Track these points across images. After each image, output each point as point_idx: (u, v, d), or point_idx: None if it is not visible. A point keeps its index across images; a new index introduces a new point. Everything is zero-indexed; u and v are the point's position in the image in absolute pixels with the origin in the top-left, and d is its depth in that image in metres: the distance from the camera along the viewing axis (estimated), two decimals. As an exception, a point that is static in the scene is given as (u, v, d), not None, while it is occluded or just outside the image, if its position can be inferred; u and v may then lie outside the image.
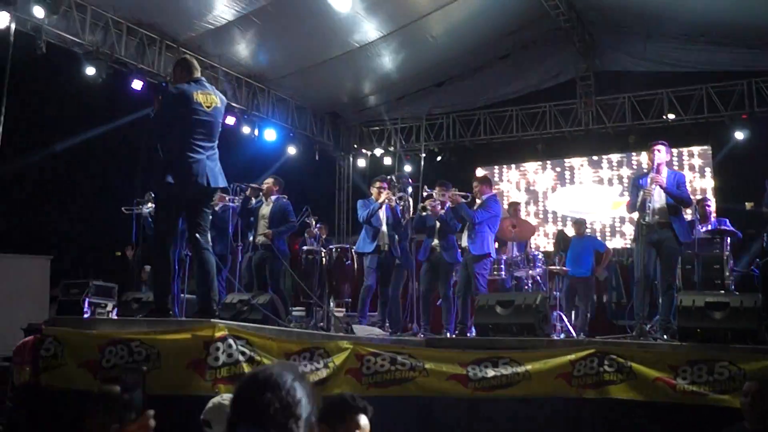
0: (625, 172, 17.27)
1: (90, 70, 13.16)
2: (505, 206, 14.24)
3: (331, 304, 11.03)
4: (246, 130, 16.19)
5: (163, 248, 7.03)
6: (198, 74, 7.10)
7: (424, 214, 10.22)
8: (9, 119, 11.55)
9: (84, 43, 13.02)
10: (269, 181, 10.89)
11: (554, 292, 11.21)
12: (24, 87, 13.99)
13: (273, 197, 10.70)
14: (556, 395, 6.79)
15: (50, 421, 6.31)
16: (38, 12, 11.34)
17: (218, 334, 6.06)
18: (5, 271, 14.25)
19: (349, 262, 11.09)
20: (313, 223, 12.58)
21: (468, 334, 9.44)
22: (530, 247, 12.26)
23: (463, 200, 10.01)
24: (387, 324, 10.14)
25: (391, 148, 18.96)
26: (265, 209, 10.65)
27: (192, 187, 6.78)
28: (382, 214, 10.31)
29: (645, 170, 8.98)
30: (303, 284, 10.40)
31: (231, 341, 6.11)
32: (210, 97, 6.96)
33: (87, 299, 11.98)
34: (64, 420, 5.97)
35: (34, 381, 6.53)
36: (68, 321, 7.31)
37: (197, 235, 6.95)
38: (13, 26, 11.40)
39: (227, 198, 10.86)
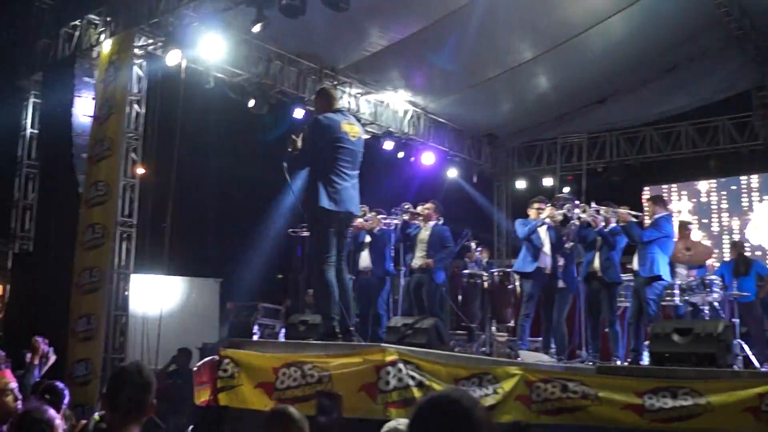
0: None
1: (254, 101, 13.71)
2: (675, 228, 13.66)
3: (493, 328, 10.92)
4: (400, 154, 16.35)
5: (320, 272, 7.22)
6: (337, 104, 7.40)
7: (584, 219, 9.94)
8: (183, 151, 12.14)
9: (248, 76, 13.59)
10: (429, 206, 10.92)
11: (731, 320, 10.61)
12: (193, 120, 14.65)
13: (431, 223, 10.73)
14: (743, 431, 6.41)
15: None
16: (209, 45, 11.84)
17: (389, 359, 6.11)
18: (179, 293, 14.88)
19: (511, 286, 10.98)
20: (474, 246, 12.53)
21: (640, 362, 9.10)
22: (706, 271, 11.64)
23: (633, 219, 9.67)
24: (552, 349, 9.95)
25: (552, 168, 18.59)
26: (424, 234, 10.70)
27: (341, 214, 7.13)
28: (544, 233, 10.10)
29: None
30: (459, 311, 10.40)
31: (401, 366, 6.15)
32: (354, 128, 7.29)
33: (257, 321, 12.38)
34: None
35: (213, 400, 6.79)
36: (244, 343, 7.55)
37: (341, 261, 7.33)
38: (184, 63, 11.99)
39: (383, 222, 11.02)
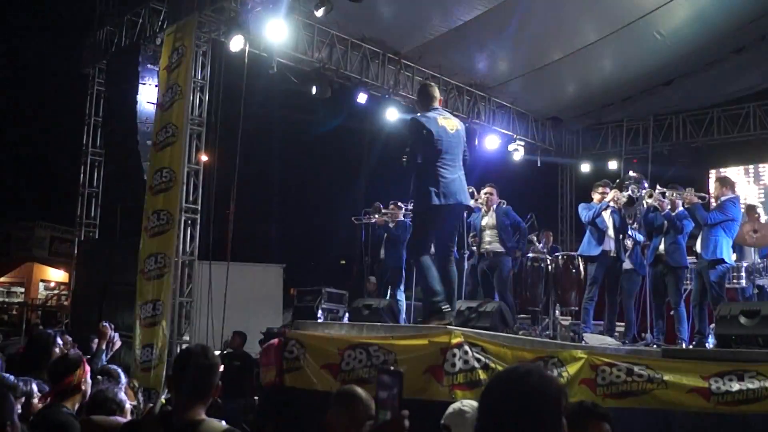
0: None
1: (316, 85, 13.75)
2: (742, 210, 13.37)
3: (557, 312, 10.83)
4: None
5: (417, 260, 7.50)
6: (437, 103, 7.59)
7: (650, 204, 9.79)
8: (246, 137, 12.24)
9: (312, 60, 13.64)
10: (489, 191, 10.83)
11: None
12: (256, 107, 14.77)
13: (494, 206, 10.66)
14: (811, 411, 6.28)
15: (294, 419, 6.60)
16: (272, 30, 11.93)
17: (455, 341, 6.12)
18: (243, 279, 15.04)
19: (575, 270, 10.85)
20: (538, 230, 12.42)
21: (706, 345, 8.95)
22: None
23: (699, 201, 9.48)
24: (617, 333, 9.83)
25: (617, 151, 18.32)
26: (489, 219, 10.62)
27: (454, 207, 7.31)
28: (608, 216, 9.96)
29: None
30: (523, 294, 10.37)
31: (467, 348, 6.16)
32: (450, 122, 7.44)
33: (321, 305, 12.47)
34: (307, 419, 6.21)
35: (279, 381, 6.87)
36: (309, 325, 7.63)
37: (449, 251, 7.53)
38: (247, 48, 12.08)
39: (401, 214, 11.07)
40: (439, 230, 7.51)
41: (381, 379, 2.43)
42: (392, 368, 2.50)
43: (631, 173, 10.55)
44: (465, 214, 8.81)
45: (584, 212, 10.07)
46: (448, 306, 7.19)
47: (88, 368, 4.51)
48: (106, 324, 7.01)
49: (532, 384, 2.20)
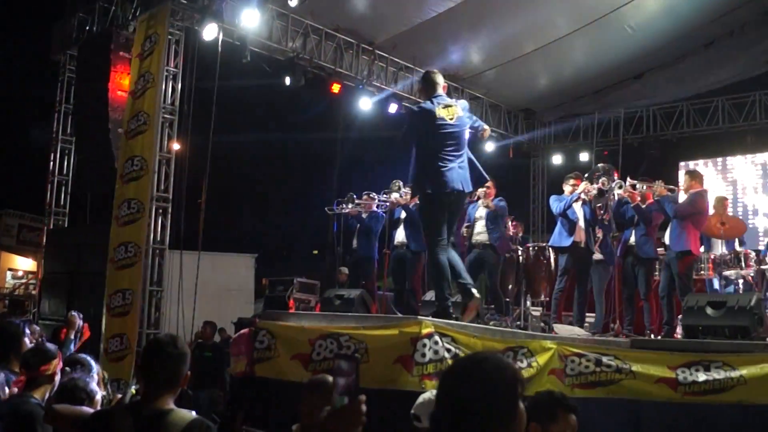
0: None
1: (290, 75, 13.72)
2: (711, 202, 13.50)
3: (528, 302, 10.90)
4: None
5: (433, 254, 7.41)
6: (440, 89, 7.51)
7: (621, 196, 9.89)
8: (219, 126, 12.19)
9: (286, 50, 13.60)
10: (488, 184, 10.79)
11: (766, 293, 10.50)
12: (229, 95, 14.70)
13: (492, 200, 10.65)
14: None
15: (264, 408, 6.61)
16: (246, 19, 11.89)
17: (425, 331, 6.15)
18: (215, 268, 15.00)
19: (546, 261, 10.93)
20: (509, 221, 12.46)
21: (672, 336, 9.06)
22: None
23: (668, 193, 9.58)
24: (587, 324, 9.92)
25: (588, 143, 18.45)
26: (482, 210, 10.62)
27: (450, 195, 7.27)
28: (579, 207, 10.03)
29: None
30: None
31: (437, 338, 6.18)
32: (452, 109, 7.39)
33: (292, 295, 12.46)
34: (277, 408, 6.22)
35: (250, 371, 6.87)
36: (280, 315, 7.63)
37: (450, 236, 7.48)
38: (221, 37, 12.02)
39: (374, 204, 11.09)
40: (443, 221, 7.47)
41: (338, 365, 2.44)
42: (348, 354, 2.51)
43: (600, 165, 10.60)
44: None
45: (555, 204, 10.12)
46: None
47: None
48: (75, 313, 6.97)
49: (487, 370, 2.21)
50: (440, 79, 7.61)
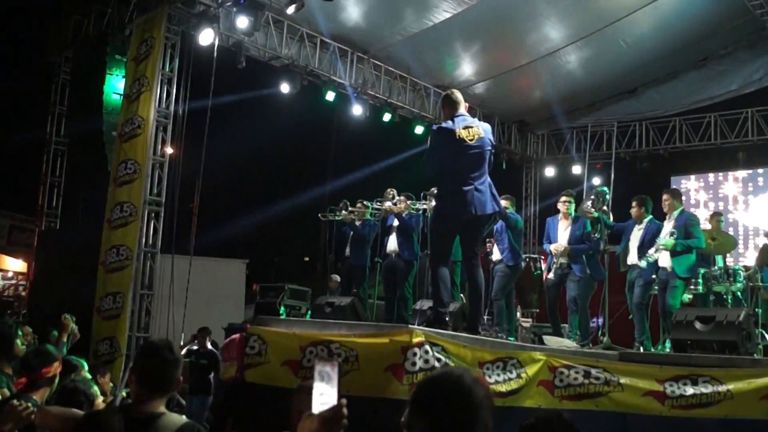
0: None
1: (285, 81, 13.76)
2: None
3: (518, 313, 10.94)
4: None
5: (435, 268, 7.43)
6: (461, 108, 7.44)
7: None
8: (213, 131, 12.20)
9: (281, 57, 13.64)
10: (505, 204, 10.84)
11: (756, 309, 10.53)
12: (224, 100, 14.72)
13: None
14: (761, 418, 6.42)
15: (254, 414, 6.61)
16: (242, 23, 11.94)
17: (416, 340, 6.16)
18: (206, 273, 14.97)
19: (538, 272, 10.98)
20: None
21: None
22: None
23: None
24: (578, 336, 9.95)
25: (581, 156, 18.50)
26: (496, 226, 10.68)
27: (464, 216, 7.20)
28: (563, 230, 10.16)
29: None
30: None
31: (427, 347, 6.19)
32: (473, 130, 7.28)
33: (283, 302, 12.45)
34: (267, 414, 6.22)
35: (240, 377, 6.88)
36: (272, 321, 7.63)
37: (471, 260, 7.48)
38: (216, 42, 12.05)
39: (368, 212, 11.14)
40: (450, 240, 7.57)
41: (319, 370, 2.47)
42: (329, 359, 2.54)
43: (599, 188, 10.62)
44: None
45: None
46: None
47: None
48: (68, 316, 6.97)
49: (465, 384, 2.28)
50: (460, 98, 7.55)
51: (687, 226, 9.41)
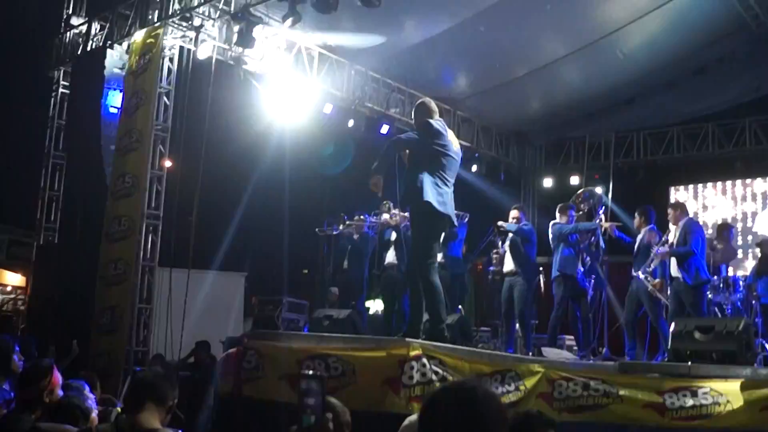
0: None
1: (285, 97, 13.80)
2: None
3: (517, 325, 10.92)
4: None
5: (425, 275, 7.20)
6: (436, 117, 7.35)
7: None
8: (210, 144, 12.20)
9: (279, 70, 13.65)
10: (516, 216, 10.85)
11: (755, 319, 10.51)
12: (222, 114, 14.72)
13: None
14: (762, 429, 6.38)
15: (251, 429, 6.59)
16: (239, 43, 11.99)
17: (413, 354, 6.15)
18: (204, 286, 14.93)
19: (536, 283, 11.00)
20: (500, 243, 12.50)
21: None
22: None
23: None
24: (575, 347, 9.96)
25: (579, 167, 18.50)
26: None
27: (445, 217, 7.16)
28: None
29: None
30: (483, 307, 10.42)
31: (425, 360, 6.18)
32: (455, 140, 7.35)
33: (281, 315, 12.44)
34: (264, 430, 6.21)
35: (237, 391, 6.86)
36: (269, 335, 7.61)
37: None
38: (214, 56, 12.07)
39: (365, 226, 11.14)
40: (438, 243, 7.43)
41: (305, 383, 2.47)
42: (314, 373, 2.54)
43: (596, 190, 10.66)
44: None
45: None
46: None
47: (59, 376, 4.46)
48: (75, 343, 6.93)
49: (478, 397, 2.22)
50: (435, 107, 7.51)
51: (685, 233, 9.43)
